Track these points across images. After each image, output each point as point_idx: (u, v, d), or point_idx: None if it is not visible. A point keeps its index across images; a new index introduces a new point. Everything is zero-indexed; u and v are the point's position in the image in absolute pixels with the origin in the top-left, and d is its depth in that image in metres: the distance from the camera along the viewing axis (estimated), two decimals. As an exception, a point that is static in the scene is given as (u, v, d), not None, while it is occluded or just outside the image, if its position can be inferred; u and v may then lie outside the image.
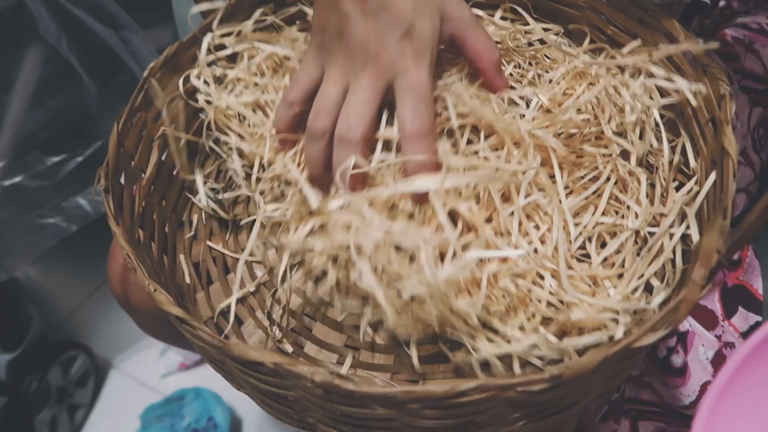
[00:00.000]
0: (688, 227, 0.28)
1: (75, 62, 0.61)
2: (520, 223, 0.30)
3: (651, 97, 0.33)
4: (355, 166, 0.30)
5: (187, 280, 0.36)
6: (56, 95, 0.63)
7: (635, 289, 0.28)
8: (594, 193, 0.30)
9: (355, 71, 0.32)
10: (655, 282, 0.28)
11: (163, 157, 0.38)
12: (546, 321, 0.28)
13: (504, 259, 0.29)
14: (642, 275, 0.27)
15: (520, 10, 0.40)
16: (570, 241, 0.30)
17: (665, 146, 0.31)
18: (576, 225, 0.31)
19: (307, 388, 0.24)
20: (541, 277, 0.29)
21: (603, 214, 0.30)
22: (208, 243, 0.38)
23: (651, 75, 0.32)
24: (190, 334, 0.28)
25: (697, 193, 0.28)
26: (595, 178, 0.32)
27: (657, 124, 0.33)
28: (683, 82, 0.31)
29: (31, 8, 0.57)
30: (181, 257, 0.38)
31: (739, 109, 0.44)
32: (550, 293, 0.28)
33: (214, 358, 0.30)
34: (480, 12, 0.40)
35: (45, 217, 0.66)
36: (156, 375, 0.94)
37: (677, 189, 0.30)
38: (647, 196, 0.30)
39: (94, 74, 0.63)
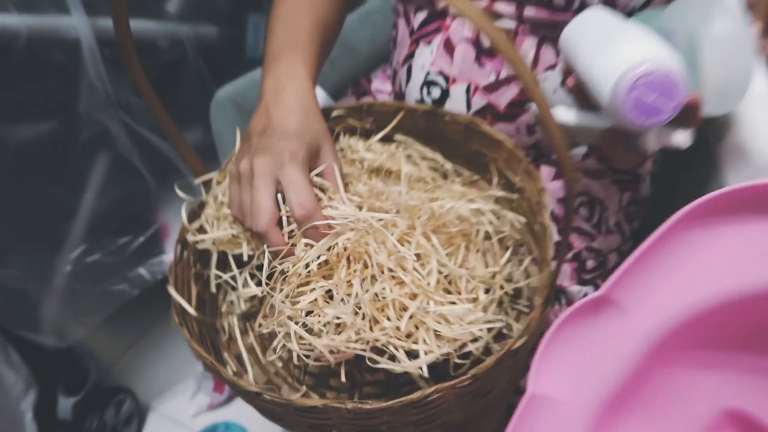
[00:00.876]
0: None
1: (142, 168, 0.82)
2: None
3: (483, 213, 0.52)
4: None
5: (233, 370, 0.53)
6: (125, 191, 0.84)
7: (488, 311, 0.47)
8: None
9: (253, 175, 0.44)
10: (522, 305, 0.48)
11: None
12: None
13: (401, 284, 0.43)
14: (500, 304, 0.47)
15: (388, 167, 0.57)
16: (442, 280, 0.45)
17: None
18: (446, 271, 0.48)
19: (342, 413, 0.40)
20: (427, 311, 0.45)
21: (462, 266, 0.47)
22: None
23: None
24: (267, 404, 0.42)
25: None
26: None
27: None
28: (512, 215, 0.52)
29: (113, 132, 0.78)
30: (225, 354, 0.54)
31: (612, 195, 0.65)
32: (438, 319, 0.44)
33: (276, 412, 0.44)
34: (360, 146, 0.58)
35: (114, 284, 0.85)
36: (188, 415, 1.11)
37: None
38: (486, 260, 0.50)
39: (154, 175, 0.84)
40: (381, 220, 0.45)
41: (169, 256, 0.90)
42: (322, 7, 0.59)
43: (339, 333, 0.42)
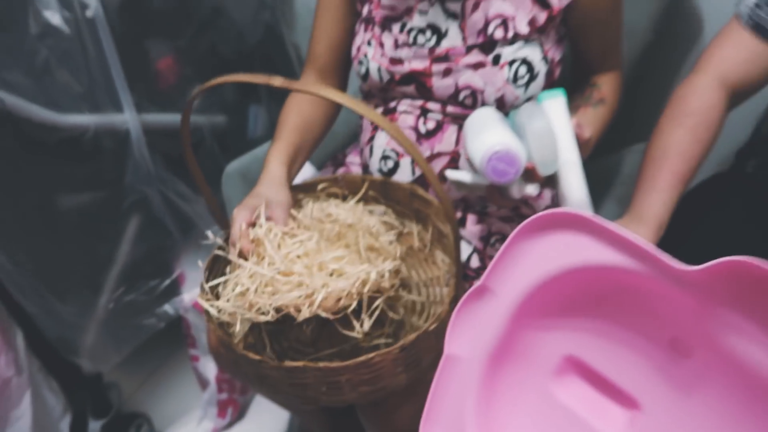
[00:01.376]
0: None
1: (171, 224, 1.05)
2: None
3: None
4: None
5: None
6: (157, 244, 1.07)
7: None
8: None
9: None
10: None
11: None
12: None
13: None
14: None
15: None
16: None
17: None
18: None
19: (316, 371, 0.62)
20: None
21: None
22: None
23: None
24: (265, 369, 0.64)
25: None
26: None
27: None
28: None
29: (150, 198, 1.03)
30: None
31: (519, 234, 0.90)
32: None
33: (270, 376, 0.65)
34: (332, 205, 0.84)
35: (145, 319, 1.06)
36: (195, 438, 1.29)
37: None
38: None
39: (178, 230, 1.08)
40: (287, 234, 0.70)
41: (188, 295, 1.12)
42: (306, 111, 0.87)
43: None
